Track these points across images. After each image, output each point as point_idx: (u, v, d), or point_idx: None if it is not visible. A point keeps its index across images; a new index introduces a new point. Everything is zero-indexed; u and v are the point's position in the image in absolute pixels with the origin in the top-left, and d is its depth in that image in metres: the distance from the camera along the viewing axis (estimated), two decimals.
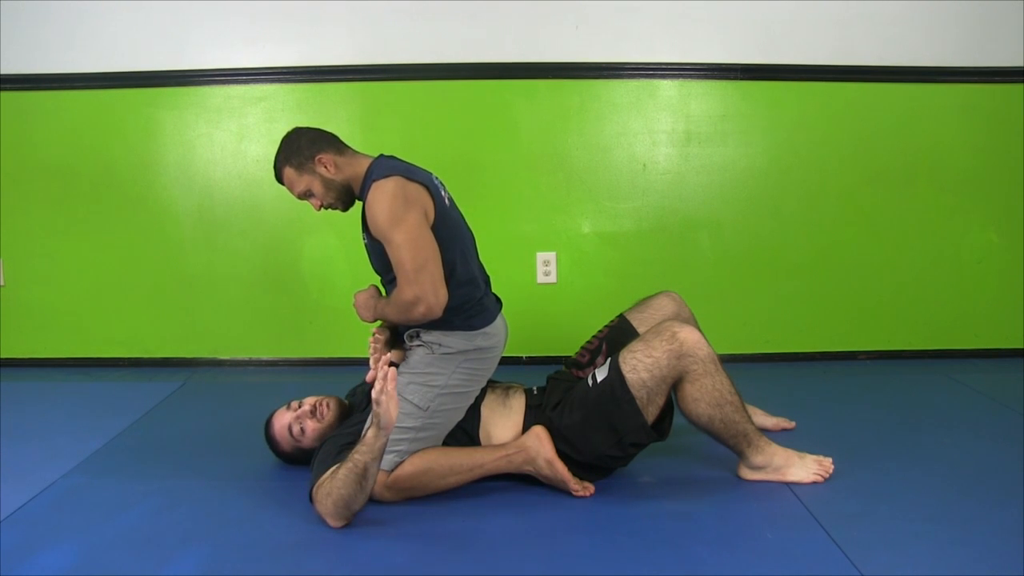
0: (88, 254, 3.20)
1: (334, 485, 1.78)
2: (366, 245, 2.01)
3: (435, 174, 2.06)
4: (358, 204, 2.03)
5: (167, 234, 3.19)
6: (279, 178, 2.03)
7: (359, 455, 1.77)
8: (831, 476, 2.01)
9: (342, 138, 2.05)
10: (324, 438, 2.03)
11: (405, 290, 1.87)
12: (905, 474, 2.08)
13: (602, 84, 3.11)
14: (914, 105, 3.14)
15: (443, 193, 2.02)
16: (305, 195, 2.03)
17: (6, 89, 3.10)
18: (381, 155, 2.03)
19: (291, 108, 3.10)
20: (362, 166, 1.99)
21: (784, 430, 2.38)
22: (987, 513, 1.85)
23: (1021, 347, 3.24)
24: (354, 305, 2.07)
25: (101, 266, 3.21)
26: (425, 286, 1.86)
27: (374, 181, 1.91)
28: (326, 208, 2.05)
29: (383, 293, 2.07)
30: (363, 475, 1.76)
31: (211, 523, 1.86)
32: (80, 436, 2.41)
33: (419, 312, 1.88)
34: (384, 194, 1.88)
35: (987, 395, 2.75)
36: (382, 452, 1.79)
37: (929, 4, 3.08)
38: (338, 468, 1.80)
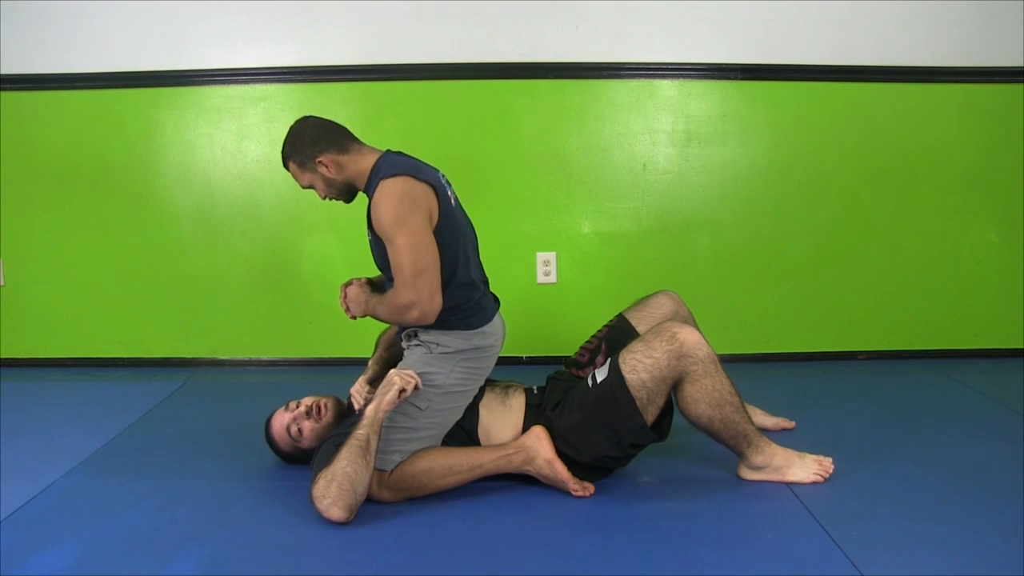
0: (88, 254, 3.20)
1: (337, 467, 1.78)
2: (370, 241, 2.01)
3: (442, 171, 2.06)
4: (362, 199, 2.03)
5: (167, 234, 3.19)
6: (285, 167, 2.05)
7: (361, 429, 1.81)
8: (831, 476, 2.01)
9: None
10: (322, 438, 2.03)
11: (401, 293, 1.88)
12: (905, 474, 2.08)
13: (602, 84, 3.11)
14: (914, 105, 3.14)
15: (449, 192, 2.02)
16: (308, 188, 2.05)
17: (6, 89, 3.10)
18: (388, 150, 2.03)
19: (291, 108, 3.09)
20: (367, 162, 1.99)
21: (784, 430, 2.38)
22: (987, 513, 1.85)
23: (1021, 347, 3.24)
24: (342, 298, 2.07)
25: (101, 266, 3.21)
26: (422, 292, 1.86)
27: (382, 179, 1.91)
28: (330, 199, 2.06)
29: (372, 288, 2.07)
30: (366, 448, 1.80)
31: (211, 523, 1.86)
32: (80, 436, 2.41)
33: (412, 317, 1.89)
34: (391, 195, 1.88)
35: (987, 395, 2.75)
36: (381, 425, 1.83)
37: (929, 4, 3.08)
38: (337, 451, 1.81)
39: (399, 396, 1.87)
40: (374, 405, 1.85)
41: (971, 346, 3.26)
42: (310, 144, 1.98)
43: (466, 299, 1.98)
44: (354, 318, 2.07)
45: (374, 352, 2.24)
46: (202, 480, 2.10)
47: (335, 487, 1.78)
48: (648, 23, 3.08)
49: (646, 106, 3.13)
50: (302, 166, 2.00)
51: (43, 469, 2.16)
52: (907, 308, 3.24)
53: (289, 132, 2.02)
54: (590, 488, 1.96)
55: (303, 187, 2.05)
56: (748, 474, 2.03)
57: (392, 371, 1.91)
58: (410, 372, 1.91)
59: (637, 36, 3.08)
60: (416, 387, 1.90)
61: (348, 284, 2.09)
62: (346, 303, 2.07)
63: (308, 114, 2.06)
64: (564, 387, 2.08)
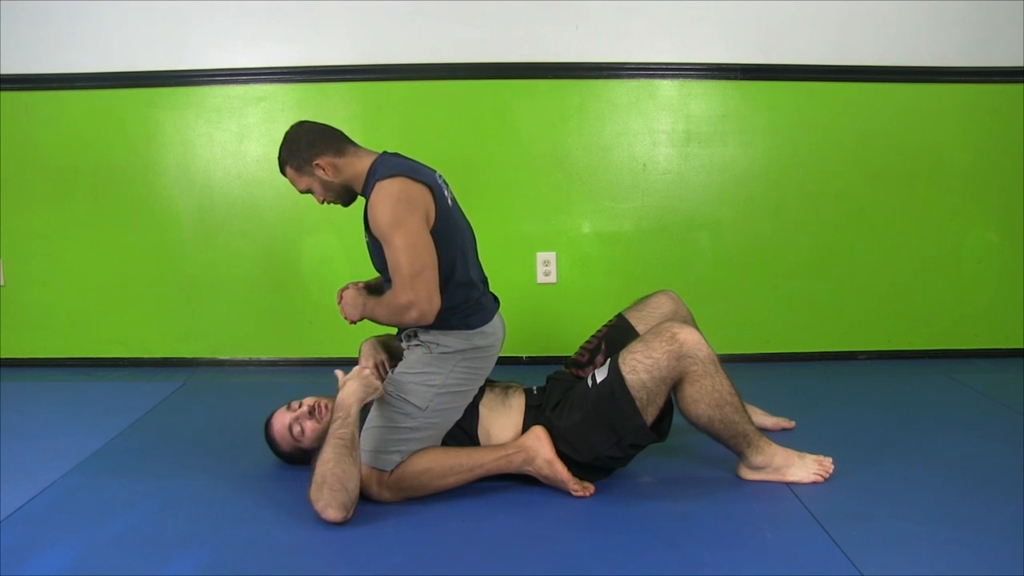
0: (88, 254, 3.20)
1: (325, 469, 1.79)
2: (367, 244, 2.01)
3: (439, 172, 2.06)
4: (361, 200, 2.03)
5: (167, 234, 3.19)
6: (282, 173, 2.05)
7: (342, 429, 1.82)
8: (831, 476, 2.01)
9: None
10: (324, 438, 2.02)
11: (400, 294, 1.88)
12: (905, 474, 2.08)
13: (602, 84, 3.11)
14: (914, 105, 3.13)
15: (446, 193, 2.02)
16: (306, 192, 2.05)
17: (6, 89, 3.10)
18: (385, 152, 2.03)
19: (291, 108, 3.10)
20: (364, 164, 1.99)
21: (784, 430, 2.38)
22: (987, 513, 1.85)
23: (1021, 347, 3.24)
24: (339, 303, 2.08)
25: (101, 266, 3.21)
26: (420, 292, 1.86)
27: (378, 180, 1.91)
28: (328, 203, 2.06)
29: (370, 291, 2.08)
30: (351, 446, 1.81)
31: (211, 523, 1.86)
32: (80, 436, 2.41)
33: (411, 317, 1.88)
34: (387, 196, 1.88)
35: (987, 395, 2.75)
36: (358, 418, 1.85)
37: (929, 4, 3.08)
38: (321, 455, 1.81)
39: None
40: (354, 400, 1.87)
41: (971, 346, 3.26)
42: (307, 148, 1.98)
43: (465, 299, 1.98)
44: (352, 322, 2.07)
45: None
46: (202, 480, 2.10)
47: (326, 490, 1.78)
48: (648, 23, 3.08)
49: (646, 106, 3.13)
50: (299, 170, 2.00)
51: (43, 469, 2.16)
52: (907, 308, 3.24)
53: (285, 137, 2.03)
54: (590, 488, 1.97)
55: (301, 191, 2.05)
56: (748, 474, 2.03)
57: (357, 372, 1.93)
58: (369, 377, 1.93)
59: (637, 36, 3.08)
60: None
61: (344, 288, 2.09)
62: (343, 307, 2.07)
63: (303, 119, 2.07)
64: (564, 387, 2.08)
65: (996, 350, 3.25)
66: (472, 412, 2.03)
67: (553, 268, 3.19)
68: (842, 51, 3.09)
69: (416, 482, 1.92)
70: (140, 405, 2.73)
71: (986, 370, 3.07)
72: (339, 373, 1.96)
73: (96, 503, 1.97)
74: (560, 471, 1.94)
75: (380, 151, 2.03)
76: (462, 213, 2.09)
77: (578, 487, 1.95)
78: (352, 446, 1.81)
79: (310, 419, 2.07)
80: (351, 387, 1.89)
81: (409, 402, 1.94)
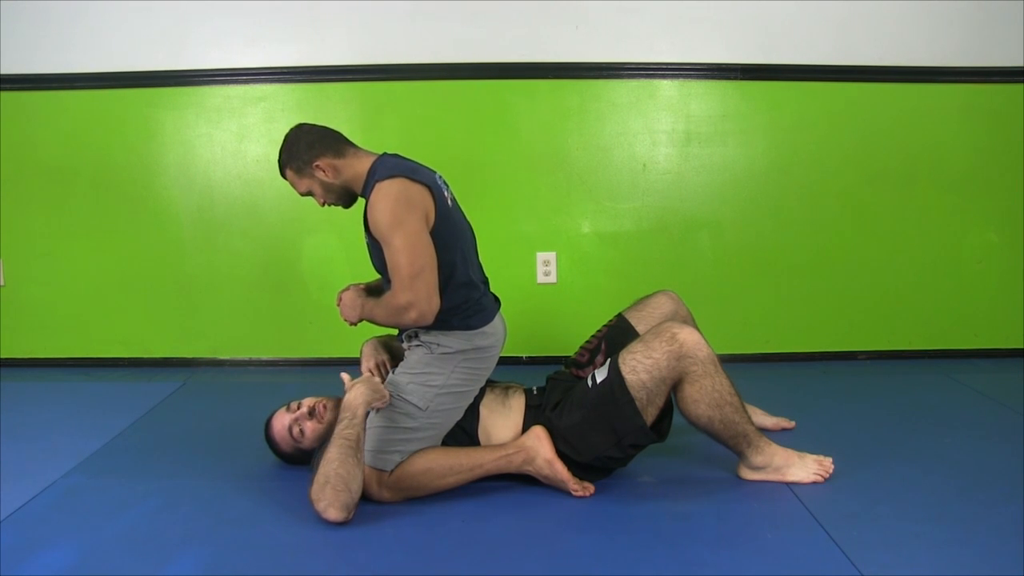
0: (88, 254, 3.20)
1: (329, 469, 1.78)
2: (367, 244, 2.01)
3: (439, 173, 2.06)
4: (362, 201, 2.03)
5: (167, 234, 3.19)
6: (282, 176, 2.05)
7: (348, 430, 1.81)
8: (831, 476, 2.01)
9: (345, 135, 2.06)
10: (324, 439, 2.03)
11: (399, 294, 1.88)
12: (905, 474, 2.08)
13: (602, 84, 3.11)
14: (914, 105, 3.14)
15: (446, 193, 2.02)
16: (306, 195, 2.05)
17: (6, 89, 3.10)
18: (385, 153, 2.03)
19: (291, 108, 3.10)
20: (364, 165, 1.99)
21: (784, 430, 2.39)
22: (987, 513, 1.85)
23: (1021, 347, 3.24)
24: (338, 304, 2.08)
25: (101, 266, 3.21)
26: (419, 292, 1.86)
27: (377, 181, 1.91)
28: (329, 205, 2.06)
29: (370, 292, 2.08)
30: (356, 447, 1.80)
31: (211, 523, 1.86)
32: (80, 436, 2.41)
33: (410, 318, 1.89)
34: (386, 196, 1.88)
35: (987, 395, 2.75)
36: (364, 420, 1.84)
37: (929, 4, 3.08)
38: (326, 454, 1.81)
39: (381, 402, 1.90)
40: (362, 403, 1.85)
41: (971, 346, 3.26)
42: (306, 149, 1.98)
43: (465, 299, 1.98)
44: (352, 324, 2.07)
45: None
46: (202, 480, 2.10)
47: (329, 489, 1.78)
48: (648, 23, 3.08)
49: (646, 106, 3.13)
50: (299, 172, 2.00)
51: (43, 469, 2.15)
52: (907, 308, 3.24)
53: (285, 140, 2.03)
54: (590, 488, 1.97)
55: (301, 194, 2.06)
56: (748, 474, 2.03)
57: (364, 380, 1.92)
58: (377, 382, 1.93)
59: (637, 36, 3.08)
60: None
61: (344, 290, 2.10)
62: (342, 309, 2.07)
63: (302, 120, 2.07)
64: (564, 387, 2.08)
65: (996, 350, 3.25)
66: (472, 412, 2.03)
67: (553, 268, 3.19)
68: (842, 51, 3.09)
69: (416, 482, 1.92)
70: (140, 405, 2.72)
71: (986, 370, 3.07)
72: (345, 376, 1.95)
73: (96, 503, 1.97)
74: (560, 471, 1.94)
75: (380, 152, 2.04)
76: (462, 214, 2.09)
77: (578, 487, 1.95)
78: (357, 447, 1.81)
79: (310, 420, 2.07)
80: (359, 390, 1.88)
81: (410, 402, 1.94)
